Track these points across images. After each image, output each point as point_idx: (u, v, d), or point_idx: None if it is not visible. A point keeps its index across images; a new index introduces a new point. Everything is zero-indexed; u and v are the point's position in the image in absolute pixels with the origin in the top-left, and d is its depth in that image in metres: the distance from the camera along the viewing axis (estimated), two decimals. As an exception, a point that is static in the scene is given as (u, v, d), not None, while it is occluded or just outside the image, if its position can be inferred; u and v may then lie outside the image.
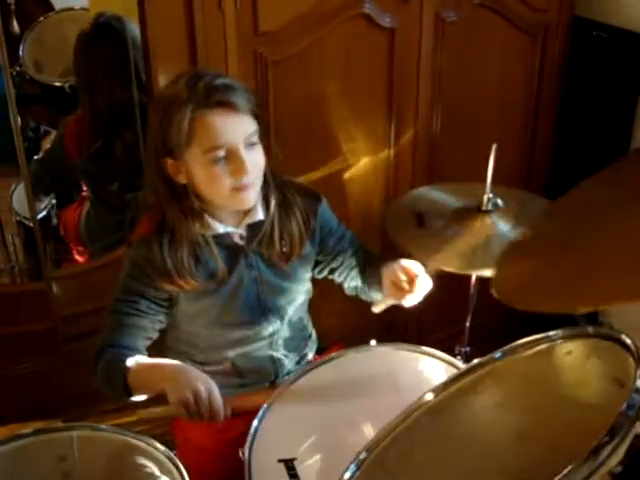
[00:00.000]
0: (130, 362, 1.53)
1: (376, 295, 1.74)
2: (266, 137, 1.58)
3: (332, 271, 1.83)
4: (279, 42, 2.07)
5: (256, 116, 1.54)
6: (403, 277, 1.59)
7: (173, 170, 1.54)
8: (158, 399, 1.53)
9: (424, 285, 1.59)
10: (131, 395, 1.54)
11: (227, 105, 1.48)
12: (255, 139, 1.54)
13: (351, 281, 1.83)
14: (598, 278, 1.14)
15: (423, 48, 2.27)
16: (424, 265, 1.61)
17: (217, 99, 1.48)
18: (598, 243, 1.24)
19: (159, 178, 1.56)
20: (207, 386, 1.43)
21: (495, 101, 2.49)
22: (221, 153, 1.50)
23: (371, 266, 1.75)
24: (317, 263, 1.80)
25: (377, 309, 1.69)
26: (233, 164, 1.50)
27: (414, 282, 1.58)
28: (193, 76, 1.51)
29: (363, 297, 1.82)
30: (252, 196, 1.57)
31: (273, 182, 1.64)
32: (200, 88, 1.48)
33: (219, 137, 1.49)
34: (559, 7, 2.44)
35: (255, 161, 1.54)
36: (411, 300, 1.61)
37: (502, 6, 2.35)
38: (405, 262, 1.62)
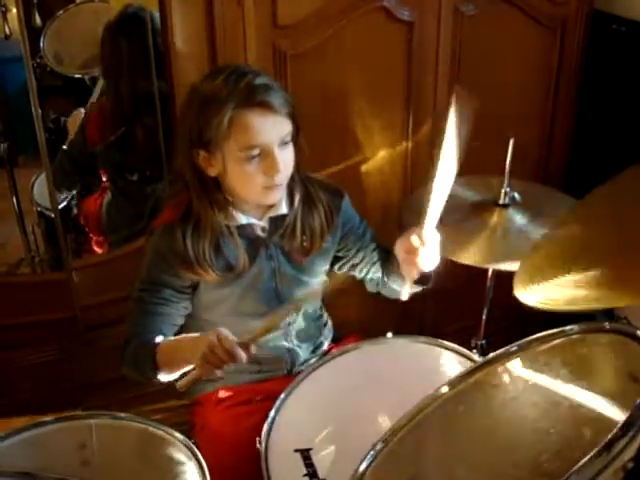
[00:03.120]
0: (158, 341, 1.58)
1: (397, 286, 1.74)
2: (297, 136, 1.60)
3: (353, 267, 1.83)
4: (298, 35, 2.08)
5: (291, 117, 1.55)
6: (410, 236, 1.55)
7: (204, 163, 1.56)
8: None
9: (431, 237, 1.55)
10: (158, 373, 1.57)
11: (266, 106, 1.50)
12: (288, 139, 1.56)
13: (372, 276, 1.84)
14: (625, 281, 1.14)
15: (441, 41, 2.27)
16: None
17: (258, 99, 1.49)
18: (625, 245, 1.24)
19: (189, 168, 1.58)
20: (216, 333, 1.45)
21: (513, 95, 2.48)
22: (256, 152, 1.52)
23: (390, 259, 1.75)
24: (338, 259, 1.82)
25: (404, 296, 1.65)
26: (266, 163, 1.53)
27: (421, 236, 1.54)
28: (233, 73, 1.52)
29: (384, 293, 1.83)
30: (280, 193, 1.61)
31: (298, 177, 1.66)
32: (241, 87, 1.49)
33: (256, 137, 1.51)
34: (578, 0, 2.42)
35: (287, 160, 1.56)
36: (425, 260, 1.55)
37: (521, -1, 2.34)
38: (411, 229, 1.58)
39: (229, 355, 1.44)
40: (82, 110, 2.48)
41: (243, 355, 1.45)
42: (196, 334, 1.57)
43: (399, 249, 1.60)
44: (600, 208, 1.47)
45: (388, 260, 1.77)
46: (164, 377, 1.58)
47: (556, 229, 1.58)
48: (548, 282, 1.35)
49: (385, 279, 1.80)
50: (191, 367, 1.53)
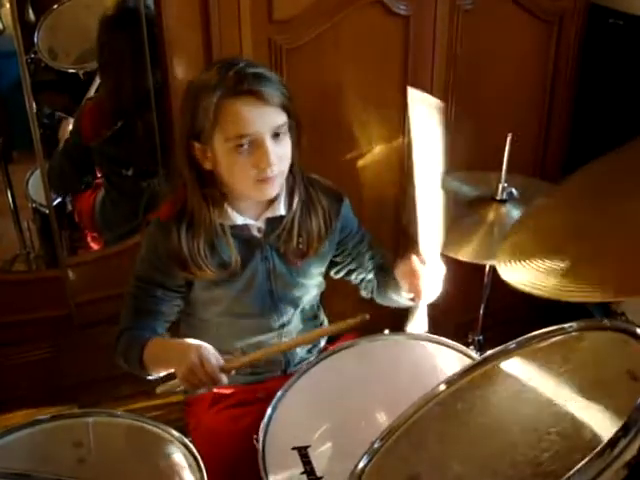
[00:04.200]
0: (147, 338, 1.58)
1: (392, 295, 1.74)
2: (296, 131, 1.58)
3: (349, 273, 1.83)
4: (294, 30, 2.08)
5: (286, 109, 1.53)
6: (416, 264, 1.58)
7: (200, 155, 1.55)
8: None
9: (437, 270, 1.58)
10: (145, 371, 1.58)
11: (255, 95, 1.48)
12: (283, 131, 1.53)
13: (368, 284, 1.84)
14: (605, 268, 1.14)
15: (438, 36, 2.27)
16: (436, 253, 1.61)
17: (245, 88, 1.48)
18: (605, 229, 1.23)
19: (186, 162, 1.57)
20: (198, 354, 1.45)
21: (510, 89, 2.48)
22: (245, 142, 1.49)
23: (388, 268, 1.74)
24: (335, 264, 1.81)
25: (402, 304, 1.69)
26: (257, 155, 1.50)
27: (426, 267, 1.58)
28: (226, 63, 1.52)
29: (378, 300, 1.82)
30: (275, 188, 1.57)
31: (300, 178, 1.65)
32: (230, 75, 1.48)
33: (243, 126, 1.49)
34: (575, -6, 2.43)
35: (281, 154, 1.53)
36: (428, 290, 1.60)
37: (518, -7, 2.34)
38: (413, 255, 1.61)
39: (209, 378, 1.45)
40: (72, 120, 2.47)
41: (224, 379, 1.47)
42: (185, 340, 1.56)
43: (401, 274, 1.63)
44: (582, 190, 1.47)
45: (385, 270, 1.77)
46: (151, 375, 1.59)
47: (537, 209, 1.58)
48: (529, 262, 1.34)
49: (380, 288, 1.80)
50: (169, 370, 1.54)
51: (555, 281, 1.19)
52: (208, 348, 1.48)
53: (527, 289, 1.24)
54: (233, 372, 1.51)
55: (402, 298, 1.69)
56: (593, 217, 1.32)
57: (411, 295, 1.65)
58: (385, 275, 1.76)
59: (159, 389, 1.55)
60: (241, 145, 1.50)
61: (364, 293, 1.86)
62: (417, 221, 1.56)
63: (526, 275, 1.27)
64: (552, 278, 1.20)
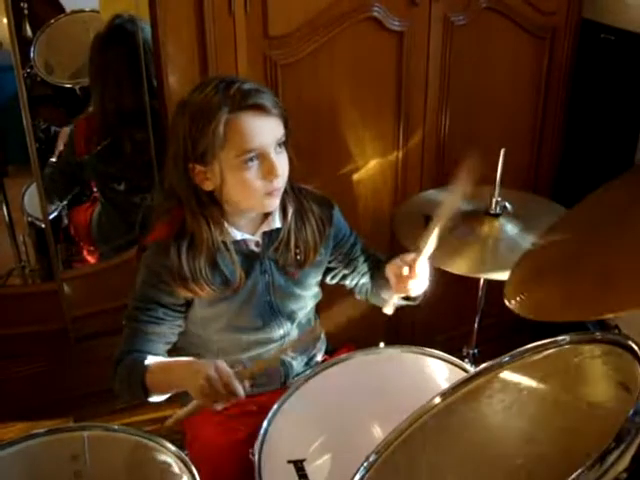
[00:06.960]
0: (148, 362, 1.55)
1: (386, 296, 1.75)
2: (288, 144, 1.60)
3: (344, 277, 1.85)
4: (289, 46, 2.08)
5: (284, 119, 1.56)
6: (403, 265, 1.60)
7: (200, 177, 1.55)
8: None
9: (423, 269, 1.60)
10: (149, 396, 1.56)
11: (260, 108, 1.51)
12: (281, 144, 1.56)
13: (362, 287, 1.85)
14: (614, 288, 1.14)
15: (431, 51, 2.28)
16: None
17: (251, 102, 1.50)
18: (614, 253, 1.24)
19: (184, 184, 1.57)
20: (215, 366, 1.43)
21: (503, 104, 2.49)
22: (253, 156, 1.52)
23: (380, 270, 1.77)
24: (329, 270, 1.83)
25: (388, 309, 1.69)
26: (265, 167, 1.53)
27: (413, 267, 1.59)
28: (222, 82, 1.53)
29: (373, 301, 1.83)
30: (278, 200, 1.60)
31: (290, 190, 1.66)
32: (233, 92, 1.50)
33: (252, 140, 1.51)
34: (567, 10, 2.44)
35: (283, 165, 1.56)
36: (415, 287, 1.61)
37: (510, 9, 2.35)
38: (404, 254, 1.64)
39: (227, 390, 1.42)
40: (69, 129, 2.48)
41: (241, 390, 1.44)
42: (189, 358, 1.56)
43: (390, 272, 1.64)
44: (589, 217, 1.48)
45: (378, 271, 1.79)
46: (154, 399, 1.57)
47: (545, 237, 1.59)
48: (538, 292, 1.36)
49: (374, 289, 1.81)
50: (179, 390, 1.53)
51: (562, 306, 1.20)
52: (221, 362, 1.46)
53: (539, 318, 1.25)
54: (247, 384, 1.49)
55: (394, 297, 1.70)
56: (601, 242, 1.33)
57: (400, 295, 1.66)
58: (379, 278, 1.78)
59: (168, 422, 1.54)
60: (250, 159, 1.52)
61: (358, 296, 1.88)
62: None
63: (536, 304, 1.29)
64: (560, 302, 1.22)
